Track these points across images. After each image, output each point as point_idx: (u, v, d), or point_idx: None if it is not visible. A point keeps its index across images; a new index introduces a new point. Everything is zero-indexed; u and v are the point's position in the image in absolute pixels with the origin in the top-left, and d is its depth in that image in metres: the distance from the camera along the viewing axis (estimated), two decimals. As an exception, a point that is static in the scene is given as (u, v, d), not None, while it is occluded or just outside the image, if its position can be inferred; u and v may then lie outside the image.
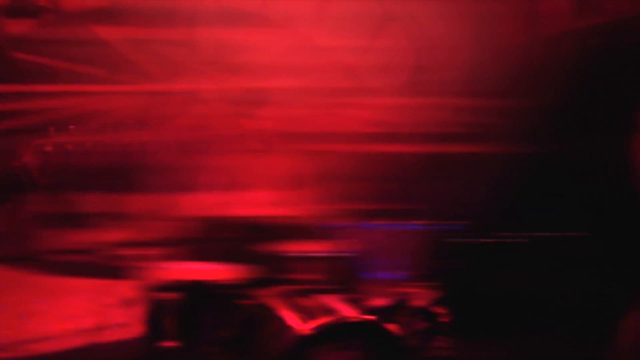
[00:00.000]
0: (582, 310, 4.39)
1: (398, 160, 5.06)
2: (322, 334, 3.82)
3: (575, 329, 4.34)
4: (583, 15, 5.03)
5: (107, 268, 4.77)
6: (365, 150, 5.04)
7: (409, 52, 5.21)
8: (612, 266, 4.42)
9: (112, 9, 4.94)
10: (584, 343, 4.23)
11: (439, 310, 4.12)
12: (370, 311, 4.01)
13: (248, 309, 4.06)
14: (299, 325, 3.84)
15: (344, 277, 4.29)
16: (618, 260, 4.43)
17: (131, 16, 4.94)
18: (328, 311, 3.97)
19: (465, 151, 4.96)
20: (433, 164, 5.08)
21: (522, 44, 5.09)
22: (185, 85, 5.03)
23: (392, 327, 3.92)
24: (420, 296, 4.17)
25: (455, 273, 4.36)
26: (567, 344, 4.34)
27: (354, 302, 4.13)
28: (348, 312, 3.97)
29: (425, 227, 4.39)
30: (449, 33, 5.17)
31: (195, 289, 4.07)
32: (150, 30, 4.97)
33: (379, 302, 4.16)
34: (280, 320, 3.94)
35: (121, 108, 5.07)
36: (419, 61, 5.21)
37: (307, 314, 3.97)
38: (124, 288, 4.44)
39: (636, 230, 4.34)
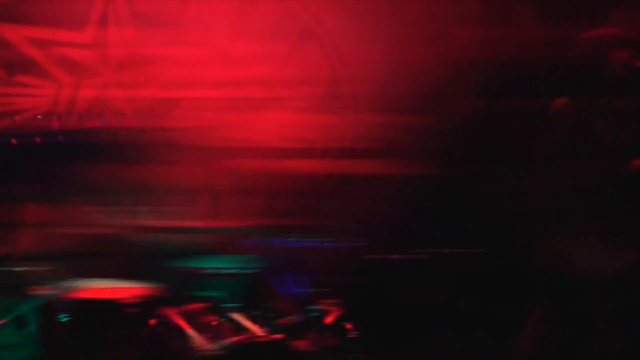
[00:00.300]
0: (483, 323, 4.39)
1: (307, 176, 4.98)
2: (230, 353, 3.67)
3: (476, 341, 4.32)
4: (491, 43, 5.05)
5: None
6: (276, 165, 4.94)
7: (324, 68, 5.14)
8: (509, 280, 4.48)
9: (14, 5, 4.72)
10: (487, 354, 4.26)
11: (348, 326, 4.03)
12: (280, 328, 3.89)
13: (153, 328, 3.87)
14: (205, 344, 3.68)
15: (253, 294, 4.16)
16: (515, 274, 4.50)
17: (36, 15, 4.74)
18: (236, 330, 3.83)
19: (372, 169, 4.87)
20: (341, 180, 4.97)
21: (433, 66, 5.16)
22: (91, 91, 4.83)
23: (301, 344, 3.79)
24: (329, 312, 4.07)
25: (362, 289, 4.29)
26: (470, 356, 4.28)
27: (263, 319, 4.00)
28: (256, 330, 3.83)
29: (333, 243, 4.32)
30: (364, 51, 5.13)
31: (95, 307, 3.87)
32: (56, 32, 4.77)
33: (288, 319, 4.04)
34: (186, 339, 3.77)
35: (24, 111, 4.84)
36: (333, 76, 5.15)
37: (214, 332, 3.81)
38: (18, 306, 4.20)
39: (530, 248, 4.41)
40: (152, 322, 4.05)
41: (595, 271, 4.47)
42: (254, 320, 4.11)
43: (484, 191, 4.88)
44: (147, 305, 4.11)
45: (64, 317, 3.89)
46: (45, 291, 4.04)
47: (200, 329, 4.01)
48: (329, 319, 4.22)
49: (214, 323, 4.05)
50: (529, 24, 5.17)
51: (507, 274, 4.65)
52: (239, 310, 4.19)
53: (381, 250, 4.65)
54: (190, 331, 3.97)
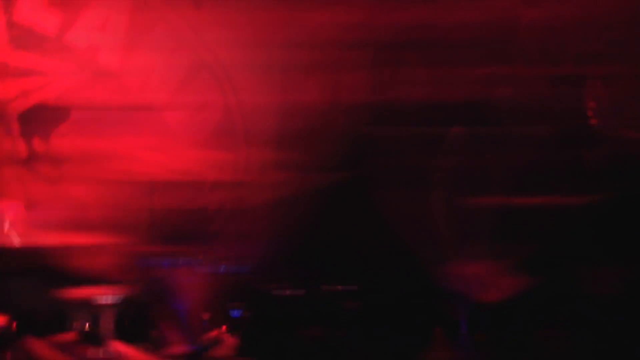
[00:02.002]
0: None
1: (197, 207, 4.73)
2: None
3: None
4: (379, 89, 5.13)
5: None
6: (165, 196, 4.65)
7: (216, 98, 4.98)
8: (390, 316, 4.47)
9: None
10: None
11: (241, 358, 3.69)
12: (169, 358, 3.47)
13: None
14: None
15: (137, 322, 3.72)
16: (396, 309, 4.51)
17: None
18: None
19: (262, 201, 4.66)
20: (230, 212, 4.77)
21: (324, 109, 5.19)
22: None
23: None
24: (220, 343, 3.72)
25: (249, 318, 4.02)
26: None
27: (148, 349, 3.56)
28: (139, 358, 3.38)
29: (220, 269, 4.05)
30: (258, 85, 5.05)
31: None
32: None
33: (177, 349, 3.63)
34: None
35: None
36: (225, 107, 5.00)
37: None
38: None
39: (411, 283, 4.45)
40: (9, 354, 3.49)
41: (485, 298, 4.46)
42: (138, 349, 3.65)
43: (369, 226, 4.79)
44: (11, 338, 3.55)
45: None
46: None
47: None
48: (221, 349, 3.86)
49: (90, 354, 3.55)
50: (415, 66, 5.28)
51: (387, 309, 4.56)
52: (120, 339, 3.72)
53: (267, 282, 4.42)
54: (60, 361, 3.44)
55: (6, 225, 4.01)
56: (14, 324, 3.54)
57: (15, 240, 3.89)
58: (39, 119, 4.63)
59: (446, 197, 4.95)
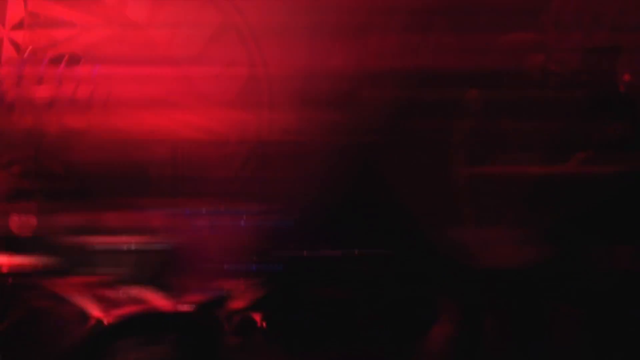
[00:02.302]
0: (394, 323, 4.27)
1: (222, 161, 4.72)
2: (127, 324, 3.18)
3: (387, 341, 4.20)
4: (407, 55, 5.07)
5: None
6: (191, 153, 4.65)
7: (240, 62, 4.97)
8: (417, 283, 4.40)
9: None
10: (396, 354, 4.15)
11: (259, 312, 3.67)
12: (186, 305, 3.45)
13: (34, 299, 3.32)
14: (99, 314, 3.17)
15: (158, 269, 3.71)
16: (422, 277, 4.44)
17: None
18: (136, 301, 3.35)
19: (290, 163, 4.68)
20: (257, 166, 4.81)
21: (350, 74, 5.15)
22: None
23: (209, 323, 3.36)
24: (241, 294, 3.71)
25: (275, 276, 4.00)
26: (379, 355, 4.17)
27: (168, 295, 3.55)
28: (159, 303, 3.37)
29: (249, 217, 4.03)
30: (284, 47, 5.02)
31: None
32: None
33: (197, 297, 3.62)
34: (75, 310, 3.24)
35: None
36: (252, 73, 4.99)
37: (110, 304, 3.32)
38: None
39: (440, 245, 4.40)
40: (34, 294, 3.50)
41: (504, 267, 4.40)
42: (158, 294, 3.65)
43: (398, 189, 4.76)
44: (28, 277, 3.56)
45: None
46: None
47: (94, 300, 3.49)
48: (241, 303, 3.84)
49: (112, 296, 3.55)
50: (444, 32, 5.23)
51: (416, 274, 4.50)
52: (142, 284, 3.72)
53: (293, 241, 4.40)
54: (80, 301, 3.44)
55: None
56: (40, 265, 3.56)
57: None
58: (67, 69, 4.63)
59: (468, 162, 4.91)
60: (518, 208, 4.72)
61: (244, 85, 5.21)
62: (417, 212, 4.81)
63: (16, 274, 3.61)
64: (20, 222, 3.89)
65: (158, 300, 3.62)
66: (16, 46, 4.62)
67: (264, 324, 3.86)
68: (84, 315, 3.41)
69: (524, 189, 4.78)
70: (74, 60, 4.58)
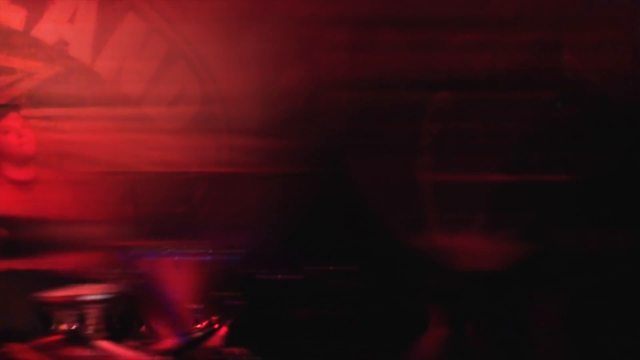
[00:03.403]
0: (380, 336, 4.21)
1: (180, 196, 4.64)
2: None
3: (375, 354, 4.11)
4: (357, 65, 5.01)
5: None
6: (146, 187, 4.55)
7: (193, 89, 4.89)
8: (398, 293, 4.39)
9: None
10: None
11: (233, 349, 3.59)
12: (160, 354, 3.35)
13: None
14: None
15: (123, 318, 3.60)
16: (401, 286, 4.43)
17: None
18: (104, 358, 3.24)
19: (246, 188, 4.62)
20: (215, 198, 4.71)
21: (301, 88, 5.13)
22: None
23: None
24: (212, 333, 3.62)
25: (242, 308, 3.92)
26: None
27: (137, 345, 3.45)
28: (129, 356, 3.26)
29: (209, 257, 3.94)
30: (234, 73, 4.97)
31: None
32: None
33: (168, 343, 3.52)
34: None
35: None
36: (202, 98, 4.92)
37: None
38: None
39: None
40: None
41: (477, 269, 4.40)
42: (128, 347, 3.54)
43: (366, 199, 4.74)
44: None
45: None
46: None
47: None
48: (214, 342, 3.75)
49: (77, 355, 3.43)
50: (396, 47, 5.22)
51: (395, 284, 4.50)
52: (107, 338, 3.61)
53: (256, 268, 4.34)
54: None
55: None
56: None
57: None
58: (11, 117, 4.49)
59: (432, 165, 4.89)
60: (489, 210, 4.72)
61: (198, 115, 5.13)
62: (388, 221, 4.79)
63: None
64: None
65: (127, 353, 3.51)
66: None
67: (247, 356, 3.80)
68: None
69: (493, 191, 4.78)
70: (15, 107, 4.45)
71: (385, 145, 4.98)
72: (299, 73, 5.22)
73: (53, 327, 3.67)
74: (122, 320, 3.78)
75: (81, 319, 3.71)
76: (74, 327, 3.64)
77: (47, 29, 4.70)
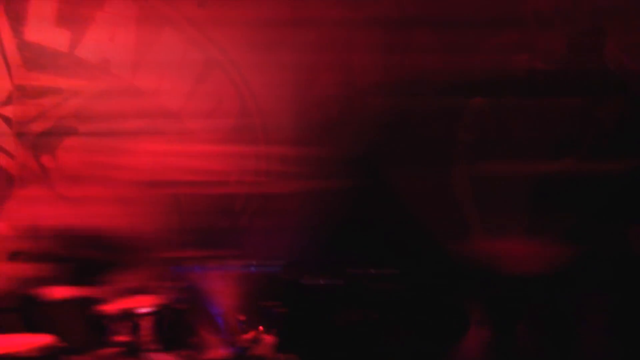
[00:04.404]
0: (408, 344, 4.24)
1: (222, 206, 4.75)
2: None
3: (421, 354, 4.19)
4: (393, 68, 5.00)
5: None
6: (188, 197, 4.67)
7: (230, 99, 4.99)
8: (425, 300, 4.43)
9: None
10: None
11: (281, 356, 3.71)
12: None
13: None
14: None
15: (174, 331, 3.75)
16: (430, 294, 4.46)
17: None
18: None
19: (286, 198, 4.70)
20: (256, 208, 4.77)
21: (337, 96, 5.16)
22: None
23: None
24: (261, 342, 3.74)
25: (288, 314, 4.03)
26: None
27: (189, 356, 3.59)
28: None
29: (253, 269, 4.06)
30: (270, 81, 5.01)
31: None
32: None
33: (217, 353, 3.66)
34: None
35: None
36: (240, 108, 5.00)
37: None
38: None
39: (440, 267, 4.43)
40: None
41: (521, 272, 4.42)
42: (178, 357, 3.69)
43: (408, 205, 4.79)
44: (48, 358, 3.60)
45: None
46: None
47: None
48: (260, 348, 3.88)
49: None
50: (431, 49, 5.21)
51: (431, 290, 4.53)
52: (160, 349, 3.76)
53: (300, 275, 4.44)
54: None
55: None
56: (55, 343, 3.60)
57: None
58: (59, 135, 4.66)
59: (471, 170, 4.91)
60: (531, 213, 4.73)
61: (237, 124, 5.23)
62: (429, 225, 4.83)
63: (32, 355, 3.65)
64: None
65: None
66: (7, 121, 4.66)
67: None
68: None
69: (535, 193, 4.78)
70: (67, 130, 4.63)
71: (424, 150, 5.02)
72: (334, 78, 5.28)
73: (109, 340, 3.84)
74: (173, 332, 3.93)
75: (135, 331, 3.87)
76: (128, 339, 3.79)
77: (90, 49, 4.83)
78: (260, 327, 4.00)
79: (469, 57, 5.06)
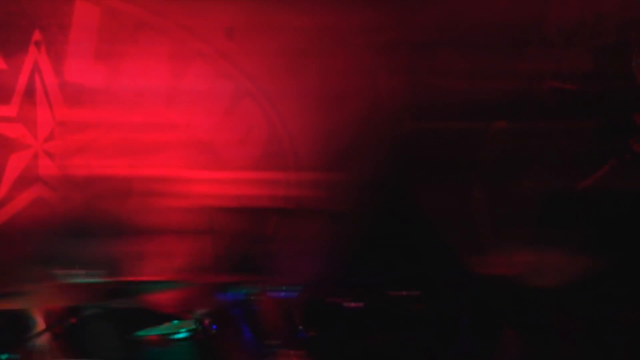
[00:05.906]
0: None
1: (251, 232, 4.90)
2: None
3: None
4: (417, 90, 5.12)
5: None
6: (218, 223, 4.84)
7: (260, 127, 5.15)
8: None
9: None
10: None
11: None
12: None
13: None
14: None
15: (211, 355, 3.91)
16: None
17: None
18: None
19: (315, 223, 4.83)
20: (286, 233, 4.92)
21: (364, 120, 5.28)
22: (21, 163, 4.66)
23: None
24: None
25: (319, 338, 4.16)
26: None
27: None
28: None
29: (285, 291, 4.20)
30: (298, 108, 5.14)
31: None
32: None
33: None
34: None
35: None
36: (270, 135, 5.16)
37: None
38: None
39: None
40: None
41: (544, 290, 4.48)
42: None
43: (420, 226, 4.90)
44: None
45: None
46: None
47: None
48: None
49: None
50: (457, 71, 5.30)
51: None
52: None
53: (330, 297, 4.57)
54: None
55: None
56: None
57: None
58: (100, 168, 4.88)
59: (493, 190, 4.99)
60: (555, 226, 4.78)
61: (266, 150, 5.38)
62: (452, 246, 4.92)
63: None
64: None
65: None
66: (51, 156, 4.89)
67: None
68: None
69: (554, 210, 4.85)
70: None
71: (448, 171, 5.12)
72: (361, 103, 5.40)
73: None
74: (209, 356, 4.08)
75: (170, 356, 4.02)
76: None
77: (125, 83, 5.04)
78: (294, 351, 4.12)
79: (493, 80, 5.14)
